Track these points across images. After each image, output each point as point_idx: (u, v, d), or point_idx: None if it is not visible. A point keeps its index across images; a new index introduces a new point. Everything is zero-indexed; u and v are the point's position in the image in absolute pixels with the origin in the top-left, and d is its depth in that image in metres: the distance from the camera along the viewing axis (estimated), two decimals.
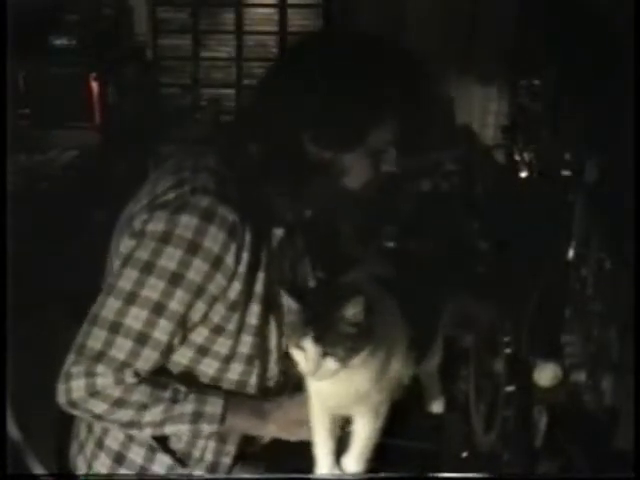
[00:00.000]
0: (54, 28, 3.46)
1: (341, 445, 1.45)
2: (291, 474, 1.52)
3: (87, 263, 1.64)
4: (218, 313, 1.41)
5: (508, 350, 1.51)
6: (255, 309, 1.44)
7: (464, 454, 1.57)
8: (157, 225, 1.35)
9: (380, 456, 1.46)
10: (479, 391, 1.57)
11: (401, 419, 1.51)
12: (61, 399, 1.35)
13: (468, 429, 1.58)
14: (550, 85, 2.30)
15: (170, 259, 1.33)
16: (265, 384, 1.51)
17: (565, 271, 1.78)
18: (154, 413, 1.37)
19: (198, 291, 1.35)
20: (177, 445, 1.48)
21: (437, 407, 1.65)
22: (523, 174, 2.48)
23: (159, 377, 1.39)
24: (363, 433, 1.42)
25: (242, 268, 1.38)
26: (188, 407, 1.39)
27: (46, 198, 2.99)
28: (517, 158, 2.59)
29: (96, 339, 1.34)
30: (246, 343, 1.45)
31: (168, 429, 1.40)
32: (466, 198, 3.00)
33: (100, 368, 1.33)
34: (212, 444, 1.50)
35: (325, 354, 1.25)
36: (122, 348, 1.33)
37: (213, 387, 1.46)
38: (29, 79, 3.36)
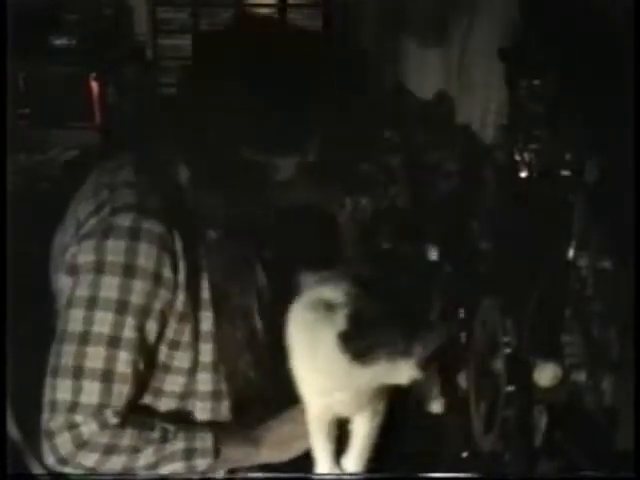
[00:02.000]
0: (54, 28, 3.46)
1: (341, 445, 1.45)
2: (290, 473, 1.52)
3: None
4: (171, 328, 1.37)
5: (508, 350, 1.51)
6: (207, 315, 1.41)
7: (464, 454, 1.57)
8: (87, 257, 1.32)
9: (380, 456, 1.46)
10: (479, 391, 1.57)
11: (401, 419, 1.51)
12: (49, 459, 1.31)
13: (468, 429, 1.58)
14: (550, 85, 2.30)
15: (110, 288, 1.30)
16: (236, 390, 1.48)
17: (565, 271, 1.78)
18: (146, 455, 1.34)
19: (146, 312, 1.32)
20: None
21: (436, 407, 1.65)
22: (523, 174, 2.47)
23: (144, 418, 1.36)
24: (362, 432, 1.42)
25: (182, 277, 1.35)
26: (179, 445, 1.36)
27: (46, 198, 2.99)
28: (517, 158, 2.59)
29: (63, 390, 1.30)
30: (206, 351, 1.42)
31: (163, 470, 1.35)
32: (466, 198, 3.00)
33: (79, 417, 1.29)
34: None
35: None
36: (92, 392, 1.30)
37: (200, 423, 1.42)
38: (29, 79, 3.36)
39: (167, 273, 1.33)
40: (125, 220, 1.31)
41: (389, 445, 1.49)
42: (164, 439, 1.36)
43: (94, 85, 3.36)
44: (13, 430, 1.51)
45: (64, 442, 1.30)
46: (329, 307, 1.30)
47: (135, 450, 1.33)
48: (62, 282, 1.37)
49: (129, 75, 3.67)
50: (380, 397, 1.39)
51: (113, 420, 1.31)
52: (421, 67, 3.62)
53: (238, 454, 1.43)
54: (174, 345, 1.39)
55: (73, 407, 1.30)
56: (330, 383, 1.32)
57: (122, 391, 1.33)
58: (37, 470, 1.51)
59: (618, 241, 1.50)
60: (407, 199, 3.01)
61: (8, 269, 1.56)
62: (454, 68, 3.53)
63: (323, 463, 1.43)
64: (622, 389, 1.41)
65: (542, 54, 2.39)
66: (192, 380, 1.43)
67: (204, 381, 1.44)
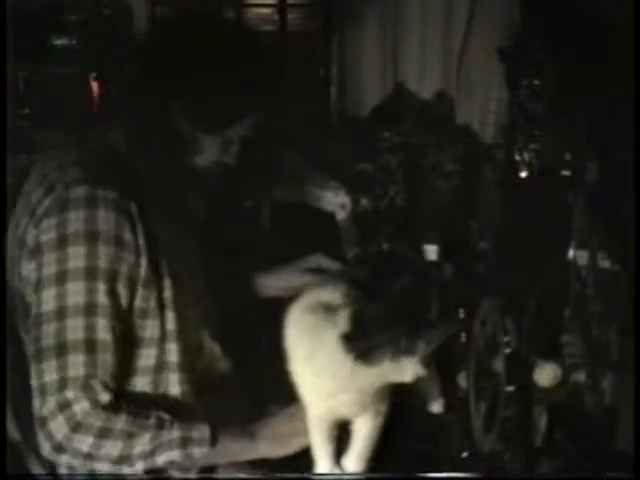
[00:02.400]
0: (54, 28, 3.46)
1: (341, 445, 1.45)
2: (289, 473, 1.52)
3: None
4: (138, 295, 1.40)
5: (508, 350, 1.51)
6: (167, 283, 1.43)
7: (464, 454, 1.57)
8: (49, 234, 1.35)
9: (380, 456, 1.45)
10: (479, 391, 1.57)
11: (401, 419, 1.51)
12: (44, 448, 1.32)
13: (468, 429, 1.58)
14: (550, 85, 2.30)
15: (77, 258, 1.33)
16: (204, 363, 1.50)
17: (565, 271, 1.78)
18: (142, 443, 1.34)
19: (114, 276, 1.35)
20: None
21: (437, 407, 1.64)
22: (523, 174, 2.47)
23: (137, 407, 1.37)
24: (363, 432, 1.42)
25: (142, 242, 1.38)
26: (175, 433, 1.37)
27: None
28: (517, 158, 2.59)
29: (50, 371, 1.32)
30: (170, 320, 1.44)
31: (160, 459, 1.36)
32: (466, 198, 2.99)
33: (69, 394, 1.30)
34: None
35: None
36: (77, 364, 1.31)
37: (196, 415, 1.44)
38: (29, 79, 3.35)
39: (128, 237, 1.36)
40: (80, 191, 1.35)
41: (389, 445, 1.49)
42: (160, 427, 1.36)
43: (94, 85, 3.36)
44: (13, 430, 1.51)
45: (58, 426, 1.30)
46: (329, 309, 1.30)
47: (130, 436, 1.33)
48: (25, 269, 1.39)
49: (129, 75, 3.66)
50: (383, 398, 1.39)
51: (103, 397, 1.32)
52: (421, 67, 3.62)
53: (235, 447, 1.44)
54: (143, 314, 1.41)
55: (62, 384, 1.31)
56: (333, 385, 1.32)
57: (106, 361, 1.34)
58: (37, 470, 1.51)
59: (618, 241, 1.50)
60: (407, 199, 3.01)
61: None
62: (454, 68, 3.53)
63: (323, 463, 1.43)
64: (622, 389, 1.41)
65: (542, 54, 2.39)
66: (162, 351, 1.44)
67: (174, 351, 1.45)
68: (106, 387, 1.33)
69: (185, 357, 1.47)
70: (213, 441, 1.39)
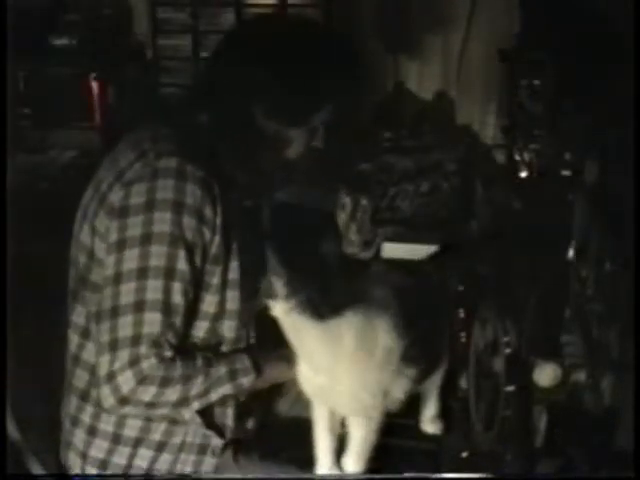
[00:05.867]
0: (54, 28, 3.46)
1: (342, 445, 1.46)
2: (286, 464, 1.53)
3: None
4: (205, 270, 1.45)
5: (508, 350, 1.51)
6: (235, 265, 1.48)
7: (464, 454, 1.57)
8: (138, 198, 1.39)
9: (380, 456, 1.46)
10: (479, 391, 1.57)
11: (401, 419, 1.51)
12: (109, 401, 1.36)
13: (468, 429, 1.58)
14: (550, 85, 2.30)
15: (162, 223, 1.38)
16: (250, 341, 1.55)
17: (565, 271, 1.78)
18: (197, 384, 1.40)
19: (193, 247, 1.40)
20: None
21: (433, 428, 1.64)
22: (523, 174, 2.48)
23: (184, 352, 1.41)
24: (357, 434, 1.43)
25: (219, 220, 1.43)
26: (222, 369, 1.43)
27: (46, 198, 2.99)
28: (517, 158, 2.59)
29: (126, 326, 1.36)
30: (233, 299, 1.49)
31: (213, 396, 1.43)
32: (466, 198, 3.00)
33: (142, 349, 1.35)
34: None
35: None
36: (154, 322, 1.36)
37: (233, 350, 1.50)
38: (29, 79, 3.35)
39: (209, 213, 1.41)
40: (170, 162, 1.41)
41: (389, 445, 1.49)
42: (209, 365, 1.43)
43: (94, 85, 3.36)
44: (13, 430, 1.51)
45: (126, 379, 1.34)
46: None
47: (187, 379, 1.39)
48: (102, 225, 1.43)
49: (129, 75, 3.67)
50: (374, 403, 1.40)
51: (168, 353, 1.37)
52: (421, 67, 3.62)
53: (274, 372, 1.52)
54: (206, 288, 1.46)
55: (136, 340, 1.35)
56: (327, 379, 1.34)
57: (176, 323, 1.39)
58: (37, 470, 1.51)
59: (618, 241, 1.50)
60: (407, 199, 3.01)
61: (8, 269, 1.56)
62: (454, 68, 3.53)
63: (323, 459, 1.45)
64: (622, 389, 1.41)
65: (542, 54, 2.39)
66: (215, 326, 1.49)
67: (230, 328, 1.51)
68: (171, 346, 1.37)
69: (237, 335, 1.52)
70: (257, 369, 1.46)
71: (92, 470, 1.51)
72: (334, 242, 1.48)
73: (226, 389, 1.44)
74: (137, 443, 1.50)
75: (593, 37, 1.79)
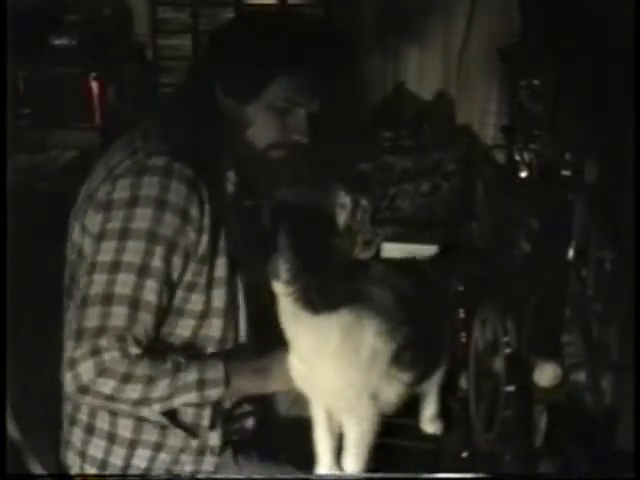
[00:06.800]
0: (54, 28, 3.46)
1: (342, 445, 1.46)
2: (286, 464, 1.53)
3: None
4: (190, 270, 1.44)
5: (508, 350, 1.51)
6: (221, 262, 1.47)
7: (464, 454, 1.57)
8: (122, 193, 1.40)
9: (380, 456, 1.46)
10: (479, 391, 1.57)
11: (401, 419, 1.51)
12: (70, 387, 1.37)
13: (468, 429, 1.58)
14: (550, 85, 2.30)
15: (142, 219, 1.38)
16: (239, 339, 1.54)
17: (565, 271, 1.78)
18: (161, 387, 1.39)
19: (173, 246, 1.40)
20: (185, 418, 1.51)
21: (433, 428, 1.64)
22: (523, 174, 2.47)
23: (155, 352, 1.41)
24: (351, 435, 1.43)
25: (207, 220, 1.43)
26: (191, 376, 1.41)
27: (46, 198, 2.99)
28: (517, 158, 2.59)
29: (92, 317, 1.36)
30: (219, 297, 1.48)
31: (177, 401, 1.42)
32: (466, 198, 3.00)
33: (103, 342, 1.34)
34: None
35: None
36: (119, 316, 1.36)
37: (211, 354, 1.49)
38: (29, 79, 3.36)
39: (194, 213, 1.41)
40: (159, 161, 1.41)
41: (389, 445, 1.49)
42: (177, 370, 1.41)
43: (94, 85, 3.36)
44: (13, 430, 1.51)
45: (87, 369, 1.35)
46: None
47: (150, 380, 1.38)
48: (90, 220, 1.44)
49: (129, 75, 3.67)
50: (366, 404, 1.40)
51: (133, 350, 1.36)
52: (421, 67, 3.62)
53: (248, 385, 1.49)
54: (190, 287, 1.46)
55: (100, 331, 1.35)
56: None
57: (145, 320, 1.38)
58: (37, 470, 1.51)
59: (618, 241, 1.50)
60: (407, 199, 3.01)
61: (8, 269, 1.56)
62: (454, 68, 3.53)
63: (323, 458, 1.45)
64: (622, 389, 1.41)
65: (542, 54, 2.39)
66: (201, 324, 1.49)
67: (215, 326, 1.50)
68: (138, 343, 1.37)
69: (224, 334, 1.51)
70: (227, 382, 1.44)
71: (91, 470, 1.51)
72: (334, 242, 1.46)
73: (191, 397, 1.42)
74: (133, 443, 1.50)
75: (593, 37, 1.79)
